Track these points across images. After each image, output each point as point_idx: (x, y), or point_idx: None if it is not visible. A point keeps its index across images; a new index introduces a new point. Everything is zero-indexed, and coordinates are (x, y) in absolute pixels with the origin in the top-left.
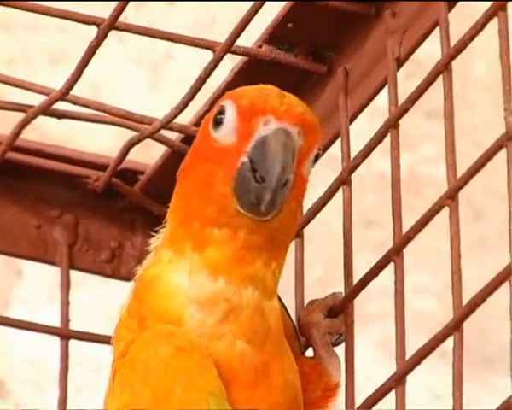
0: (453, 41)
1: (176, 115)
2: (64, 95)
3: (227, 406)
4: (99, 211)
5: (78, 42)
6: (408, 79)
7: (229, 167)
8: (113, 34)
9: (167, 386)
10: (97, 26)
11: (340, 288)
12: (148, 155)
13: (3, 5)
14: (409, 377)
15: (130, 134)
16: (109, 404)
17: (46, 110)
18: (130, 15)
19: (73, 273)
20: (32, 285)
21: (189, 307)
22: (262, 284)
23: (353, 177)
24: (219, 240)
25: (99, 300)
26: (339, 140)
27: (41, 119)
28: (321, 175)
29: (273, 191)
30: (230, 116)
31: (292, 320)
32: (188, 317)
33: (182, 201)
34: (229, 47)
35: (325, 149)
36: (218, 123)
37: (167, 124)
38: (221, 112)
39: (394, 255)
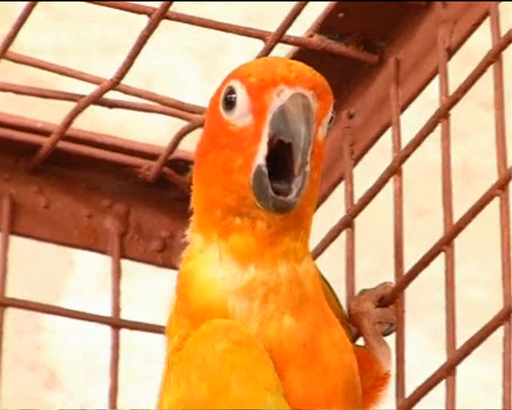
0: (503, 31)
1: None
2: (115, 84)
3: (284, 401)
4: (150, 200)
5: (130, 32)
6: (460, 69)
7: (248, 155)
8: (164, 24)
9: (224, 381)
10: (148, 15)
11: (390, 278)
12: None
13: None
14: (459, 367)
15: (182, 124)
16: (164, 398)
17: (97, 99)
18: (182, 5)
19: (124, 263)
20: (84, 275)
21: (229, 299)
22: (294, 255)
23: (404, 167)
24: (242, 228)
25: (150, 289)
26: (390, 130)
27: (92, 108)
28: (372, 165)
29: (302, 155)
30: (242, 97)
31: (343, 309)
32: (231, 308)
33: (203, 187)
34: (280, 36)
35: (376, 138)
36: (230, 105)
37: None
38: (230, 93)
39: (445, 245)
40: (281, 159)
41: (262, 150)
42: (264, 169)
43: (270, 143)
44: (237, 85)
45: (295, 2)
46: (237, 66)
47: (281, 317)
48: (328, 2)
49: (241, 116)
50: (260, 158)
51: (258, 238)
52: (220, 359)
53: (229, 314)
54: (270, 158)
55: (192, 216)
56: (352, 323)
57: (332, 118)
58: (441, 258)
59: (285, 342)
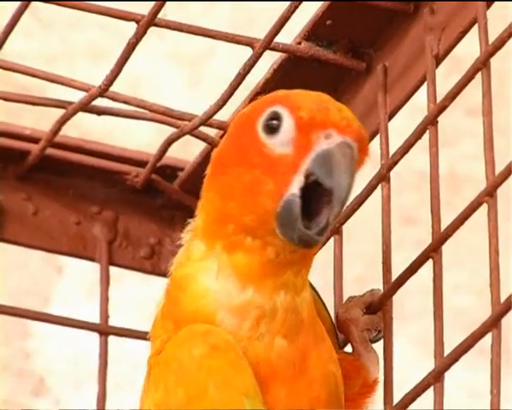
0: (491, 38)
1: (215, 112)
2: (104, 91)
3: (261, 406)
4: (138, 207)
5: (118, 39)
6: (447, 77)
7: (281, 182)
8: (152, 31)
9: (201, 385)
10: (137, 22)
11: (378, 285)
12: (188, 151)
13: (45, 2)
14: (447, 374)
15: (170, 131)
16: (144, 401)
17: (86, 106)
18: (170, 13)
19: (113, 270)
20: (72, 282)
21: (220, 311)
22: (293, 288)
23: (392, 174)
24: (250, 249)
25: (138, 296)
26: (378, 137)
27: (81, 115)
28: (360, 172)
29: (341, 205)
30: (288, 127)
31: (330, 316)
32: (219, 320)
33: (219, 198)
34: (269, 43)
35: None
36: (271, 129)
37: (207, 120)
38: (275, 118)
39: (433, 252)
40: (308, 197)
41: (298, 182)
42: (298, 200)
43: (305, 179)
44: (284, 113)
45: (284, 9)
46: (224, 73)
47: (273, 338)
48: (316, 10)
49: (281, 144)
50: (295, 188)
51: (262, 263)
52: (197, 363)
53: (217, 325)
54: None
55: (194, 222)
56: (340, 330)
57: None
58: (429, 265)
59: (274, 359)
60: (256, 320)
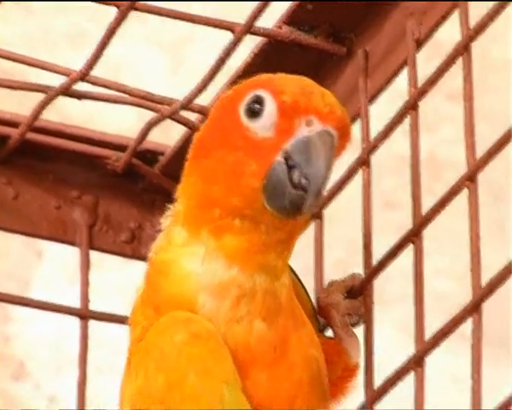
0: (472, 23)
1: (195, 96)
2: (84, 75)
3: (241, 394)
4: (119, 192)
5: (99, 23)
6: (428, 62)
7: (263, 162)
8: (133, 15)
9: (181, 372)
10: (117, 7)
11: (359, 269)
12: (168, 135)
13: None
14: (428, 360)
15: (150, 115)
16: (125, 388)
17: (66, 91)
18: None
19: (93, 254)
20: (52, 266)
21: (201, 294)
22: (274, 270)
23: (373, 158)
24: (239, 231)
25: (119, 280)
26: (358, 121)
27: (61, 99)
28: (341, 157)
29: (316, 195)
30: (270, 110)
31: (311, 301)
32: (200, 304)
33: (202, 183)
34: (249, 28)
35: None
36: (254, 113)
37: (187, 105)
38: (257, 102)
39: (413, 237)
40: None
41: (280, 157)
42: (284, 166)
43: (285, 160)
44: (267, 97)
45: None
46: (205, 57)
47: (252, 320)
48: None
49: (263, 128)
50: (279, 157)
51: (250, 243)
52: (178, 350)
53: (198, 310)
54: None
55: (174, 207)
56: (321, 314)
57: None
58: (410, 249)
59: (254, 344)
60: (236, 299)
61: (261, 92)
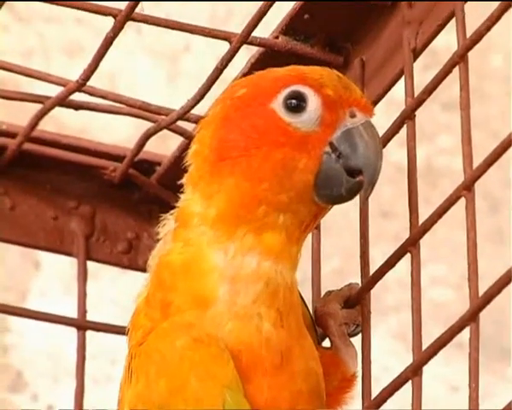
0: (469, 32)
1: (192, 106)
2: (81, 86)
3: (243, 399)
4: (116, 202)
5: (96, 33)
6: (425, 71)
7: (313, 156)
8: (130, 26)
9: (182, 377)
10: (114, 17)
11: (356, 279)
12: (165, 146)
13: None
14: (425, 369)
15: (147, 125)
16: (124, 391)
17: (63, 101)
18: (147, 8)
19: (90, 264)
20: (49, 277)
21: (223, 286)
22: (295, 262)
23: None
24: (281, 225)
25: (116, 291)
26: None
27: (58, 110)
28: None
29: (372, 181)
30: (315, 105)
31: (309, 311)
32: (219, 296)
33: (246, 182)
34: (246, 38)
35: None
36: (294, 108)
37: (184, 115)
38: (297, 97)
39: (411, 246)
40: None
41: (328, 149)
42: (334, 156)
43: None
44: (309, 93)
45: (261, 3)
46: (201, 67)
47: (261, 324)
48: (293, 4)
49: (308, 122)
50: (328, 148)
51: (288, 237)
52: (179, 355)
53: (215, 302)
54: None
55: (202, 210)
56: (319, 324)
57: None
58: (407, 259)
59: (260, 348)
60: (257, 295)
61: (300, 88)
